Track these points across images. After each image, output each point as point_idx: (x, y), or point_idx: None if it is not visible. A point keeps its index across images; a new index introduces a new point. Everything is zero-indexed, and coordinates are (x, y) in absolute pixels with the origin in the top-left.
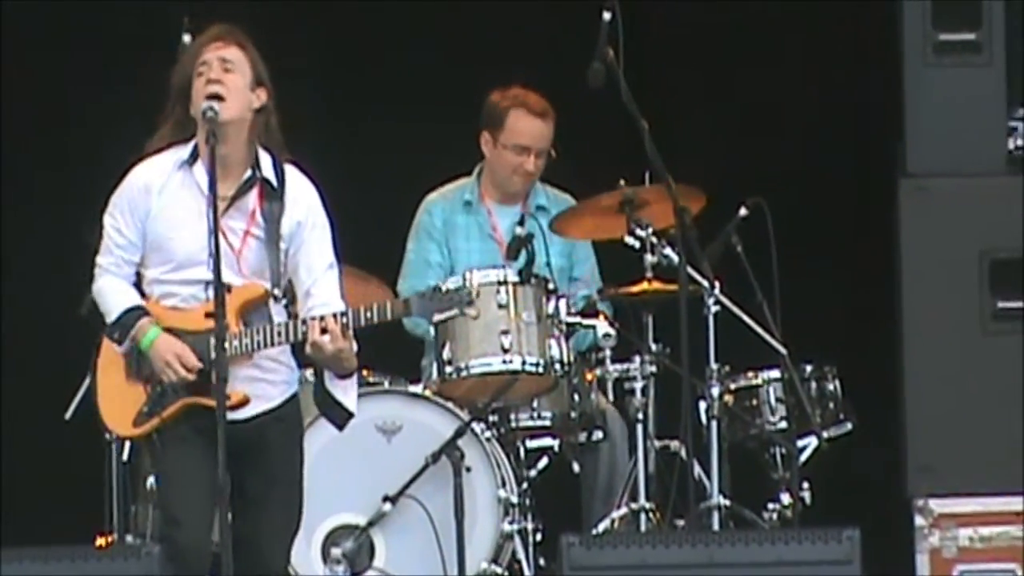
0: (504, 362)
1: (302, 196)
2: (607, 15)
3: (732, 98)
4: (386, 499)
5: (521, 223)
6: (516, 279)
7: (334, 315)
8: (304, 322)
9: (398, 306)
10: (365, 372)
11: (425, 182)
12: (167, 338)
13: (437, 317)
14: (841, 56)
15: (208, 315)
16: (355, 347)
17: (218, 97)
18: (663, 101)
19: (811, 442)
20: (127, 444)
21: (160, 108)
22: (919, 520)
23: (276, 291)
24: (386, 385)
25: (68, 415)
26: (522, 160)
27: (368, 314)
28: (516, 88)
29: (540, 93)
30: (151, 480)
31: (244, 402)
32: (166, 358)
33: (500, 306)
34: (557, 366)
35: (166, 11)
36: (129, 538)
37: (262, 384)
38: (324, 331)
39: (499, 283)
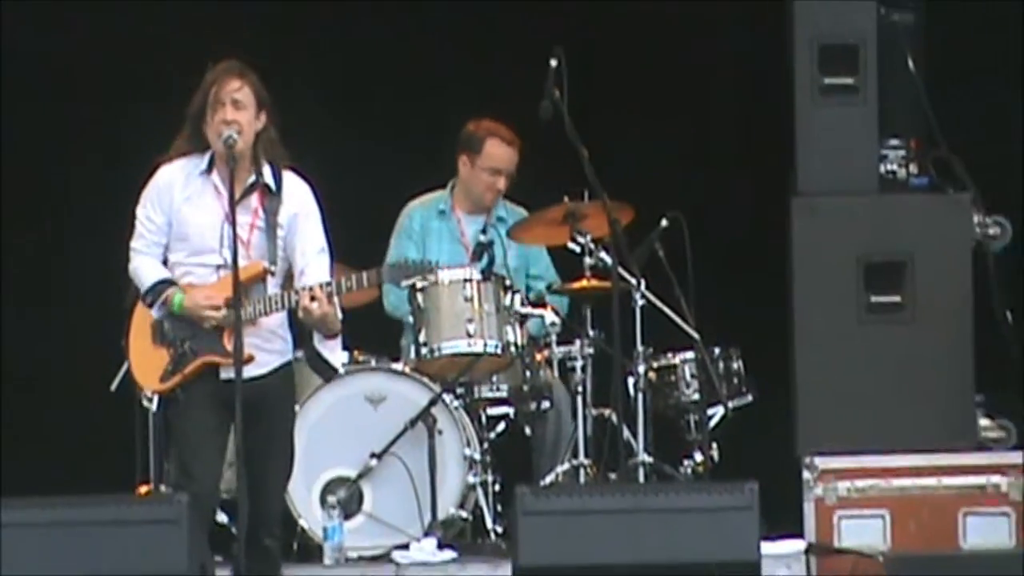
0: (469, 345)
1: (297, 192)
2: (554, 62)
3: (661, 131)
4: (373, 456)
5: (484, 231)
6: (479, 277)
7: (320, 284)
8: (297, 292)
9: (372, 275)
10: (356, 352)
11: (407, 191)
12: (192, 294)
13: (405, 283)
14: (747, 97)
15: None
16: (339, 314)
17: (233, 133)
18: (601, 132)
19: (719, 411)
20: (156, 399)
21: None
22: (806, 475)
23: (272, 268)
24: (373, 363)
25: (113, 387)
26: (495, 180)
27: (348, 283)
28: (489, 120)
29: (504, 121)
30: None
31: (250, 360)
32: (200, 309)
33: (466, 299)
34: (512, 348)
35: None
36: (163, 488)
37: (262, 353)
38: (313, 298)
39: (465, 280)
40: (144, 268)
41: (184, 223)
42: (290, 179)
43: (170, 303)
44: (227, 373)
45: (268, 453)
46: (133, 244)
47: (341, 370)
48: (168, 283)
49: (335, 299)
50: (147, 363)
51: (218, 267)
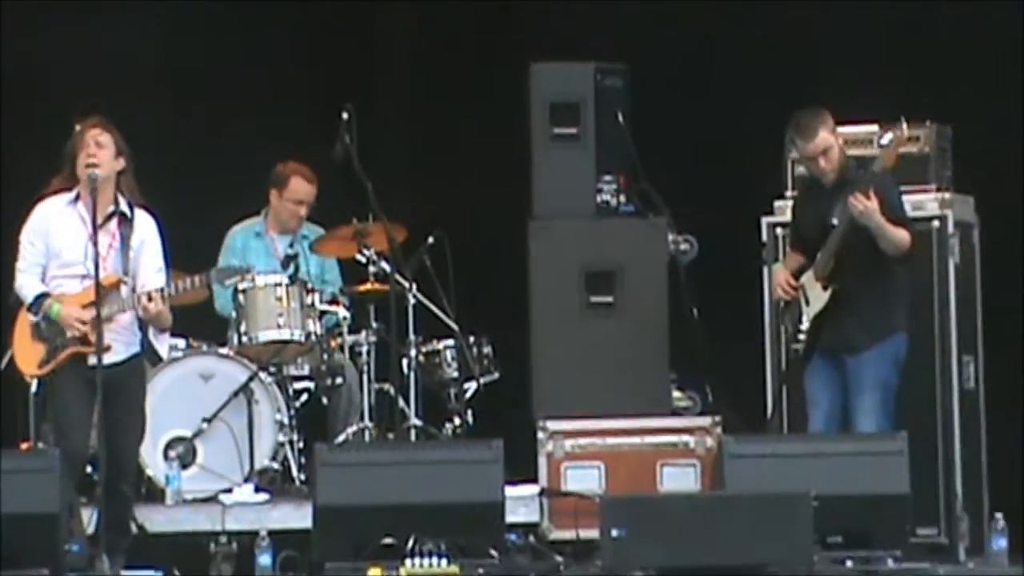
0: (279, 334)
1: (144, 225)
2: (345, 115)
3: (432, 169)
4: (204, 420)
5: (291, 246)
6: (287, 282)
7: (157, 289)
8: (139, 297)
9: (204, 277)
10: (191, 340)
11: (231, 216)
12: (66, 307)
13: (228, 282)
14: (501, 143)
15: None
16: (169, 315)
17: (95, 166)
18: (381, 167)
19: (472, 385)
20: (35, 381)
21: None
22: (540, 435)
23: (125, 279)
24: (204, 348)
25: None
26: (298, 209)
27: (184, 283)
28: (294, 162)
29: (309, 165)
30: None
31: (108, 348)
32: (70, 320)
33: (276, 298)
34: (312, 336)
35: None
36: (40, 445)
37: (118, 344)
38: (149, 299)
39: (276, 284)
40: (28, 285)
41: (56, 243)
42: (141, 214)
43: (48, 311)
44: (92, 360)
45: (125, 422)
46: (19, 265)
47: (165, 357)
48: (46, 295)
49: (166, 303)
50: (27, 354)
51: (82, 277)
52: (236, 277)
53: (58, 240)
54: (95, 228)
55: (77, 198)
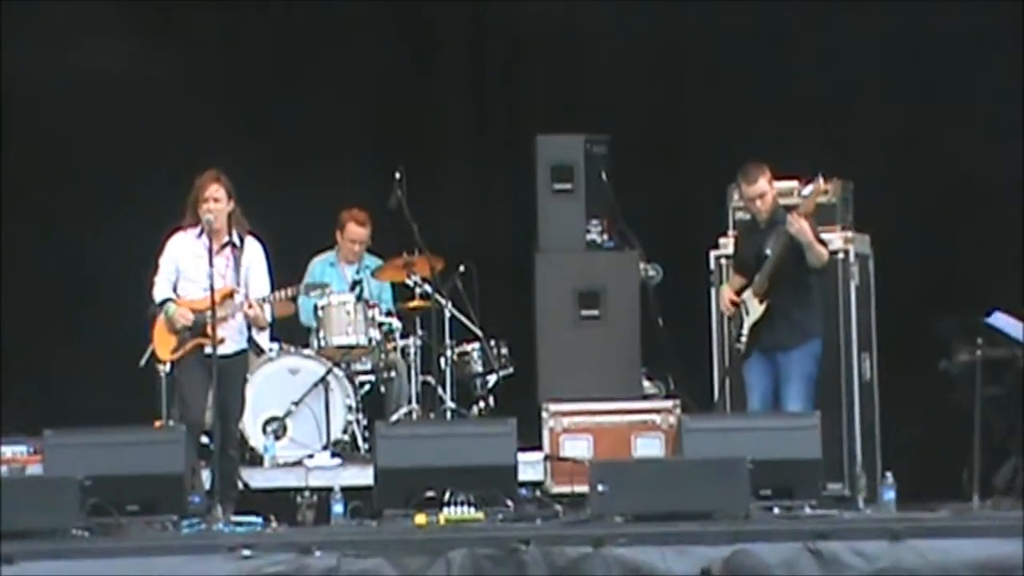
0: (348, 339)
1: (252, 250)
2: (398, 175)
3: (462, 215)
4: (293, 403)
5: (357, 273)
6: (354, 300)
7: (258, 298)
8: (246, 304)
9: (294, 289)
10: (283, 344)
11: (312, 247)
12: (179, 309)
13: (312, 294)
14: (508, 195)
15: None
16: (268, 317)
17: (210, 212)
18: (426, 211)
19: (493, 378)
20: (168, 365)
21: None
22: (544, 414)
23: (237, 289)
24: (292, 350)
25: (142, 363)
26: (353, 246)
27: (279, 294)
28: (353, 209)
29: (364, 209)
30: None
31: (221, 342)
32: (177, 316)
33: (346, 312)
34: (373, 341)
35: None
36: (170, 422)
37: (230, 340)
38: (251, 306)
39: (345, 302)
40: (160, 292)
41: (184, 265)
42: (250, 240)
43: (167, 310)
44: (209, 351)
45: (231, 401)
46: (156, 279)
47: (267, 351)
48: (170, 301)
49: (266, 307)
50: (163, 344)
51: (204, 289)
52: (318, 291)
53: (185, 263)
54: (211, 254)
55: (201, 232)
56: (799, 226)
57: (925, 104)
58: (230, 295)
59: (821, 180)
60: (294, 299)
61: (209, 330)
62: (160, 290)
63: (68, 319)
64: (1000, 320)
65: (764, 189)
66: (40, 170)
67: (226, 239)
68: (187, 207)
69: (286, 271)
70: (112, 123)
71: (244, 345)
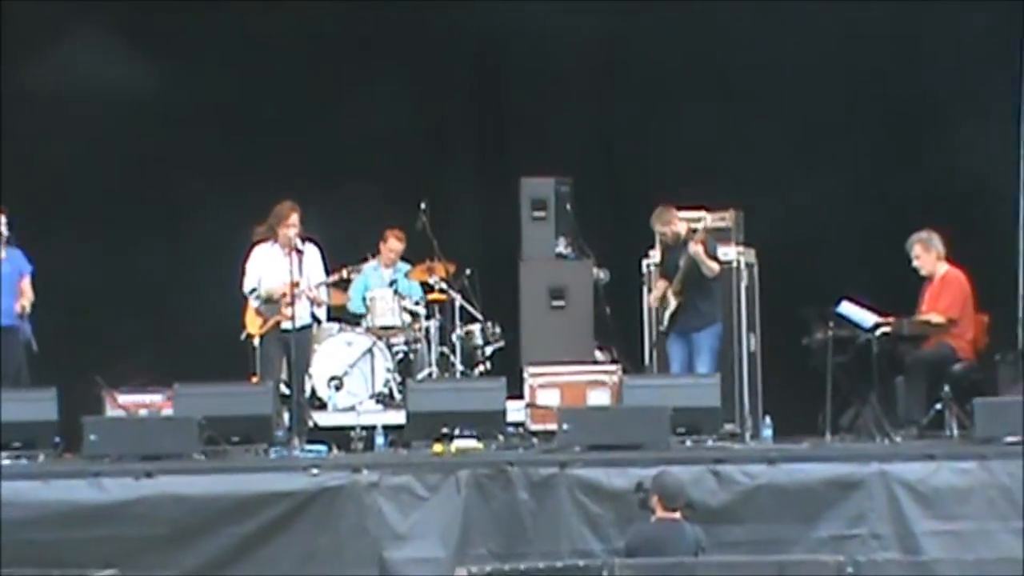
0: (388, 320)
1: (311, 252)
2: (423, 205)
3: (467, 232)
4: (349, 366)
5: (394, 274)
6: (392, 293)
7: (316, 285)
8: (309, 291)
9: (336, 276)
10: (342, 323)
11: (352, 253)
12: (265, 290)
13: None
14: (500, 219)
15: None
16: (324, 300)
17: (288, 234)
18: (442, 228)
19: (490, 348)
20: (258, 339)
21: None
22: (525, 374)
23: (299, 281)
24: (348, 328)
25: (242, 337)
26: (391, 256)
27: (330, 279)
28: (393, 228)
29: (400, 227)
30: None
31: (294, 318)
32: (270, 295)
33: (386, 302)
34: (405, 323)
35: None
36: (261, 379)
37: (299, 318)
38: (310, 291)
39: (386, 295)
40: (249, 285)
41: (266, 268)
42: (310, 245)
43: (260, 294)
44: (286, 325)
45: (301, 363)
46: (245, 279)
47: (324, 321)
48: (255, 290)
49: (322, 291)
50: (253, 323)
51: (282, 283)
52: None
53: (266, 267)
54: (290, 258)
55: (274, 243)
56: (695, 250)
57: (796, 155)
58: (297, 284)
59: (708, 217)
60: (339, 284)
61: (284, 310)
62: (249, 283)
63: (191, 304)
64: (845, 308)
65: (673, 225)
66: (157, 174)
67: (294, 245)
68: (265, 224)
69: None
70: (180, 144)
71: (309, 320)
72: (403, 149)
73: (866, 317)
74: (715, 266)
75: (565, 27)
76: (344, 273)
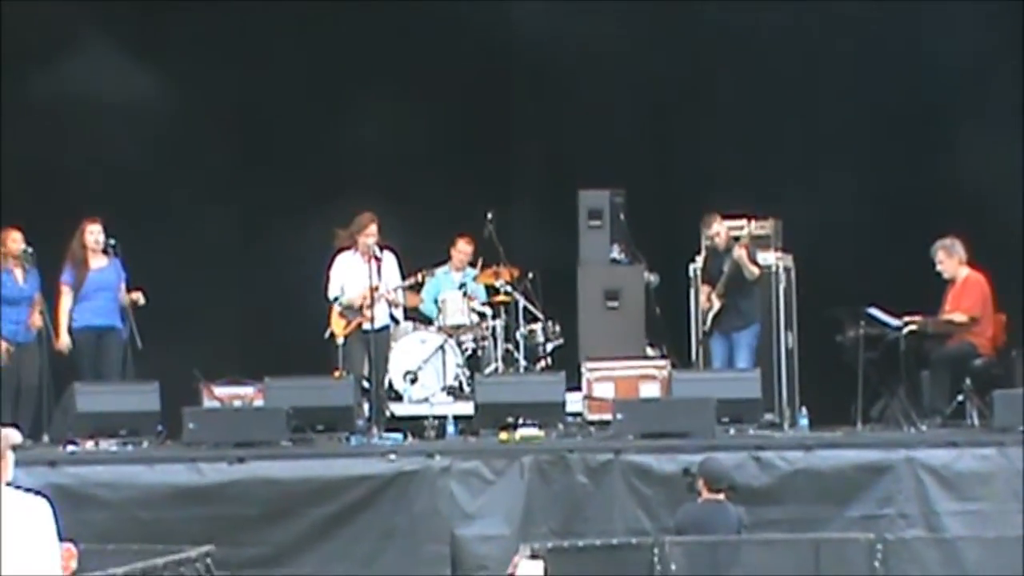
0: (458, 320)
1: (389, 258)
2: (489, 215)
3: (529, 240)
4: (423, 361)
5: (463, 277)
6: (461, 295)
7: (393, 289)
8: (387, 294)
9: (411, 280)
10: (415, 323)
11: (431, 259)
12: (348, 299)
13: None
14: (560, 228)
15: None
16: (400, 301)
17: (367, 242)
18: (508, 235)
19: (551, 345)
20: (342, 339)
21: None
22: (583, 368)
23: (379, 285)
24: (422, 328)
25: (326, 336)
26: (462, 260)
27: (405, 284)
28: (464, 235)
29: (469, 234)
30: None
31: (373, 320)
32: (350, 302)
33: (456, 303)
34: (473, 322)
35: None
36: (345, 373)
37: (377, 319)
38: (389, 295)
39: (455, 297)
40: (334, 291)
41: (348, 275)
42: (387, 253)
43: (339, 301)
44: (366, 327)
45: (380, 359)
46: (330, 285)
47: (401, 321)
48: (339, 297)
49: (399, 294)
50: (338, 325)
51: (362, 287)
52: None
53: (348, 273)
54: (368, 264)
55: (355, 251)
56: (739, 254)
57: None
58: (376, 289)
59: (750, 225)
60: (413, 287)
61: (365, 312)
62: (334, 290)
63: (280, 305)
64: (875, 312)
65: (717, 229)
66: (243, 179)
67: (373, 253)
68: (347, 233)
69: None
70: (262, 147)
71: (387, 322)
72: (470, 163)
73: (892, 320)
74: (756, 270)
75: (613, 51)
76: (419, 277)
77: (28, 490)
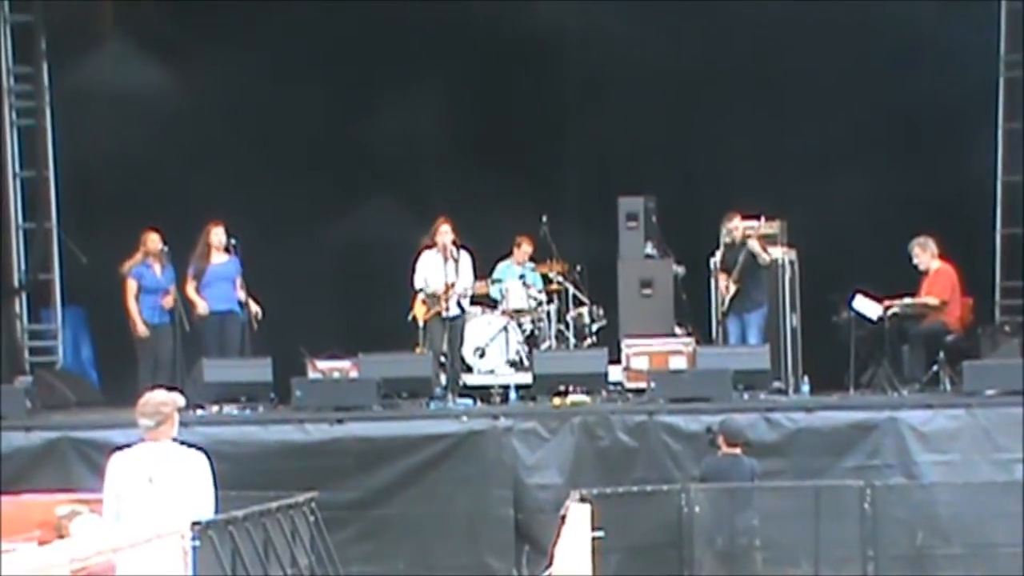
0: (519, 305)
1: (464, 257)
2: (544, 218)
3: (577, 240)
4: (490, 339)
5: (523, 269)
6: (521, 284)
7: (464, 289)
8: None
9: (483, 284)
10: (483, 307)
11: (497, 254)
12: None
13: (492, 287)
14: (603, 228)
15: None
16: (469, 293)
17: (444, 240)
18: (558, 232)
19: (596, 326)
20: (423, 323)
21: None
22: (622, 345)
23: (454, 283)
24: (489, 312)
25: (409, 318)
26: (524, 256)
27: (477, 283)
28: (525, 234)
29: (530, 235)
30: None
31: (448, 308)
32: (433, 292)
33: (517, 291)
34: (531, 306)
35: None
36: (425, 350)
37: (452, 308)
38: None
39: (517, 286)
40: (418, 282)
41: (429, 271)
42: (463, 253)
43: (427, 291)
44: (444, 314)
45: (455, 339)
46: (415, 277)
47: (470, 308)
48: (423, 288)
49: (469, 290)
50: (419, 311)
51: (442, 281)
52: (495, 285)
53: (430, 269)
54: (445, 262)
55: (435, 249)
56: (753, 243)
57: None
58: (453, 285)
59: (762, 224)
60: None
61: (442, 302)
62: (418, 282)
63: (372, 292)
64: (858, 303)
65: (736, 225)
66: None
67: (450, 252)
68: (428, 237)
69: (482, 268)
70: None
71: (459, 312)
72: (529, 175)
73: (871, 309)
74: (767, 258)
75: (645, 77)
76: (486, 282)
77: (189, 445)
